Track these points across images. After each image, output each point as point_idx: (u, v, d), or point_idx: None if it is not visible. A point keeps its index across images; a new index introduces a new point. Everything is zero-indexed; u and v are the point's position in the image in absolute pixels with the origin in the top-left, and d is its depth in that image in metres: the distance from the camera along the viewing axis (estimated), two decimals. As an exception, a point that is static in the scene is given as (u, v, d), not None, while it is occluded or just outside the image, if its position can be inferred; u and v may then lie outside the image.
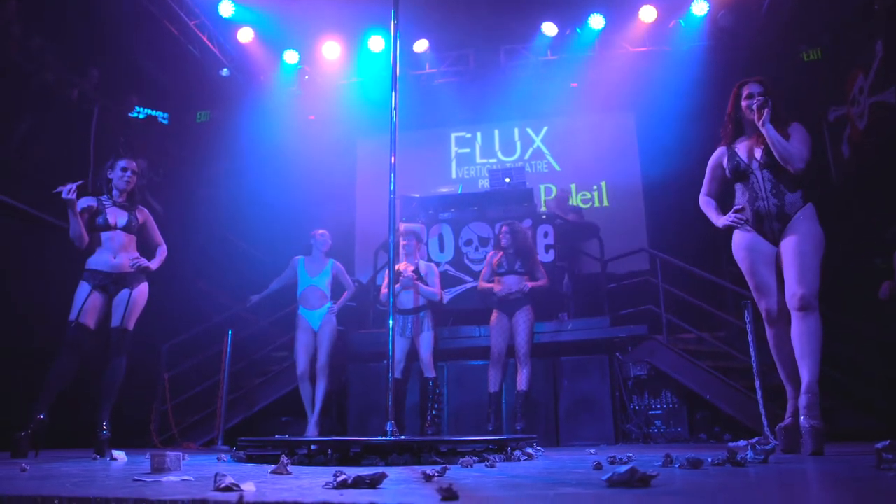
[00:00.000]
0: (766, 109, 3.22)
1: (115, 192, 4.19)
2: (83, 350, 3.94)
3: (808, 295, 3.03)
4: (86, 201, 4.08)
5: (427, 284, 5.58)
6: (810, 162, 3.19)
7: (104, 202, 4.15)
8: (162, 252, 4.35)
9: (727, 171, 3.40)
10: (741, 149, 3.39)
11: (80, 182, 3.90)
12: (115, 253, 4.08)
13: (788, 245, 3.14)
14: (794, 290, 3.07)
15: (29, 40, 6.37)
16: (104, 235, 4.08)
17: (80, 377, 4.00)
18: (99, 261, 4.06)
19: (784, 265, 3.15)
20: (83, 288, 4.00)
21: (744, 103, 3.36)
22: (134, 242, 4.20)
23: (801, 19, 7.57)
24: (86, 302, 3.96)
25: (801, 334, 3.04)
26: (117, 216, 4.12)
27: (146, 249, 4.33)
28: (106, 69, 7.37)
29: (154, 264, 4.22)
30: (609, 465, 2.36)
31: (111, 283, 4.06)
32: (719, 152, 3.51)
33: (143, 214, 4.28)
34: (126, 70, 7.70)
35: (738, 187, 3.37)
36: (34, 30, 6.44)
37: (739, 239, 3.32)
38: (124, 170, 4.19)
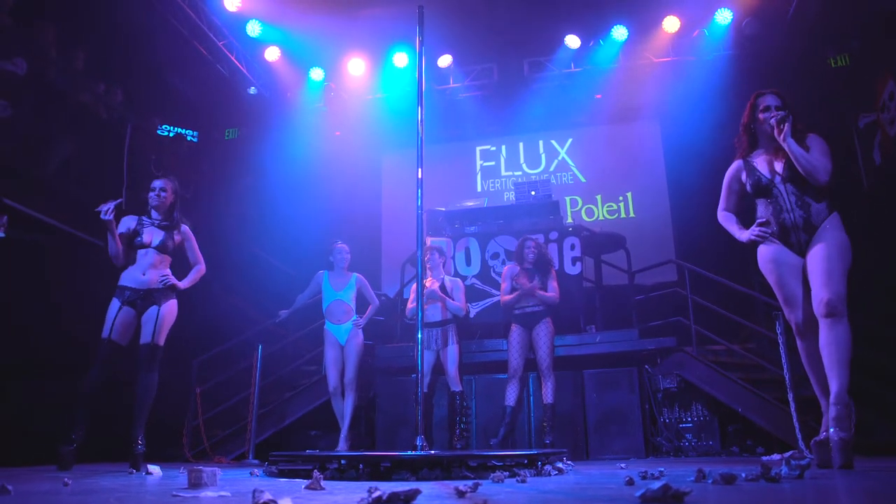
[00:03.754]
0: (786, 124, 3.18)
1: (153, 213, 4.32)
2: (114, 366, 4.05)
3: (835, 299, 2.98)
4: (126, 222, 4.22)
5: (453, 299, 5.61)
6: (833, 172, 3.16)
7: (144, 221, 4.27)
8: (197, 270, 4.43)
9: (748, 187, 3.34)
10: (760, 163, 3.33)
11: (118, 201, 4.03)
12: (145, 270, 4.19)
13: (815, 253, 3.10)
14: (820, 296, 3.02)
15: (65, 61, 6.56)
16: (138, 253, 4.20)
17: (114, 392, 4.10)
18: (129, 277, 4.17)
19: (810, 272, 3.12)
20: (113, 304, 4.12)
21: (761, 116, 3.32)
22: (167, 262, 4.29)
23: (828, 25, 7.50)
24: (116, 318, 4.07)
25: (829, 343, 2.99)
26: (153, 235, 4.24)
27: (186, 267, 4.43)
28: (138, 89, 7.56)
29: (183, 283, 4.31)
30: (641, 481, 2.35)
31: (139, 298, 4.15)
32: (736, 167, 3.45)
33: (181, 234, 4.38)
34: (157, 89, 7.90)
35: (761, 202, 3.32)
36: (70, 51, 6.64)
37: (765, 252, 3.28)
38: (153, 189, 4.32)
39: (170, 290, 4.24)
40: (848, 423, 2.88)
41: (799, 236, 3.18)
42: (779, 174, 3.24)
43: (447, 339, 5.54)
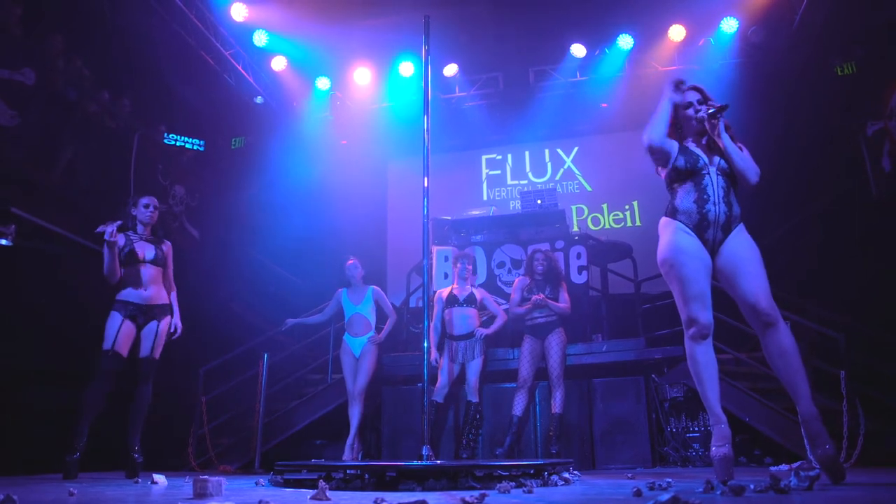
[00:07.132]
0: (720, 119, 2.96)
1: (140, 228, 4.44)
2: (116, 377, 4.17)
3: (774, 306, 2.82)
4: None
5: (487, 309, 5.76)
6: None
7: (132, 237, 4.39)
8: (174, 298, 4.58)
9: (679, 164, 2.98)
10: (694, 148, 3.03)
11: (119, 223, 4.17)
12: (146, 286, 4.32)
13: (742, 257, 2.87)
14: (761, 305, 2.82)
15: (73, 70, 6.60)
16: (134, 269, 4.31)
17: (117, 402, 4.17)
18: (130, 293, 4.29)
19: (737, 276, 2.88)
20: (115, 318, 4.23)
21: (689, 112, 3.05)
22: (161, 274, 4.45)
23: (834, 33, 7.48)
24: (119, 331, 4.19)
25: (783, 353, 2.81)
26: (145, 250, 4.37)
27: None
28: (144, 98, 7.60)
29: (176, 316, 4.52)
30: (649, 492, 2.33)
31: (140, 313, 4.30)
32: (672, 141, 3.06)
33: (168, 247, 4.54)
34: (163, 99, 7.93)
35: (685, 187, 2.98)
36: (78, 60, 6.67)
37: (682, 242, 2.94)
38: (146, 206, 4.47)
39: (167, 308, 4.41)
40: (826, 436, 2.67)
41: (716, 234, 2.91)
42: (717, 164, 2.97)
43: (474, 352, 5.55)
